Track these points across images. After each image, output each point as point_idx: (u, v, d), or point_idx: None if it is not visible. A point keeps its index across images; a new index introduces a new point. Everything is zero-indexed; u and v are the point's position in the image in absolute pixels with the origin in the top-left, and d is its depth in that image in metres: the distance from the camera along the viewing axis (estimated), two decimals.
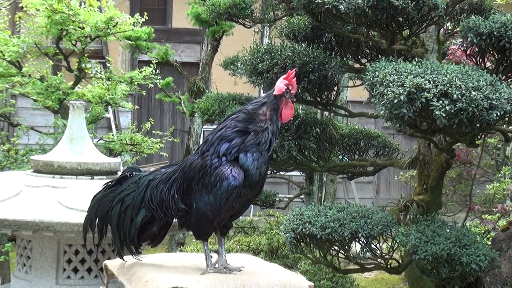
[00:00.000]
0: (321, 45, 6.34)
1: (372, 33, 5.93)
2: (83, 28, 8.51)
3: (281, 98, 3.36)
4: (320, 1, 5.29)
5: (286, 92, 3.36)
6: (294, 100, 3.44)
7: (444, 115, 4.35)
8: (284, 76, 3.41)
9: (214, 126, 12.07)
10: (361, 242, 5.39)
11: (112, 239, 3.46)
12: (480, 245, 5.01)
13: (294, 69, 3.53)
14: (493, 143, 10.78)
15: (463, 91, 4.38)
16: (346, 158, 6.78)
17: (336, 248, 5.55)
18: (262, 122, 3.29)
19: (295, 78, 3.42)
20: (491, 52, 5.35)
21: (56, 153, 4.91)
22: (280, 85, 3.37)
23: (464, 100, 4.35)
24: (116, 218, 3.44)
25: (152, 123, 10.69)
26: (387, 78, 4.57)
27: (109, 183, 3.55)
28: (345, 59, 6.48)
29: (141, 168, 3.62)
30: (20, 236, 4.61)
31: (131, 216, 3.42)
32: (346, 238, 5.31)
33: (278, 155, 6.03)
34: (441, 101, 4.37)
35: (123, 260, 3.52)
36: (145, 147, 9.39)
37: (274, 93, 3.37)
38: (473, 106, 4.35)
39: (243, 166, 3.23)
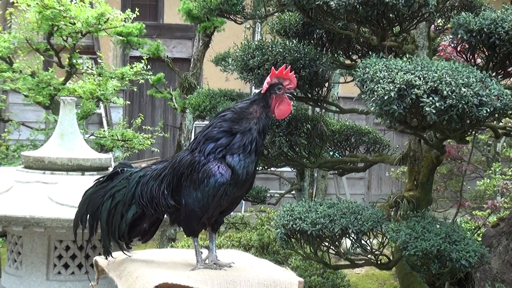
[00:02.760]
0: (312, 41, 6.35)
1: (363, 29, 5.94)
2: (74, 23, 8.50)
3: (271, 95, 3.33)
4: None
5: (278, 88, 3.32)
6: (294, 94, 3.36)
7: (434, 111, 4.36)
8: (272, 72, 3.36)
9: (206, 122, 12.07)
10: (351, 238, 5.40)
11: (101, 235, 3.47)
12: (470, 241, 5.02)
13: (284, 64, 3.48)
14: (484, 140, 10.80)
15: (453, 88, 4.39)
16: (337, 154, 6.79)
17: (326, 244, 5.56)
18: (248, 121, 3.28)
19: (286, 71, 3.35)
20: (481, 49, 5.36)
21: (46, 149, 4.90)
22: (264, 82, 3.35)
23: (454, 97, 4.36)
24: (106, 214, 3.44)
25: (143, 118, 10.68)
26: (377, 74, 4.58)
27: (100, 179, 3.55)
28: (336, 55, 6.49)
29: (132, 164, 3.62)
30: (10, 232, 4.61)
31: (121, 212, 3.43)
32: (337, 234, 5.32)
33: (269, 151, 6.04)
34: (431, 98, 4.37)
35: (112, 257, 3.52)
36: (136, 142, 9.39)
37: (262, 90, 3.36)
38: (463, 102, 4.36)
39: (230, 165, 3.23)
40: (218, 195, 3.23)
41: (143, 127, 11.19)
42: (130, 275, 3.28)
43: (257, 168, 3.41)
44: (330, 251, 5.66)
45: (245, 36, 12.79)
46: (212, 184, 3.21)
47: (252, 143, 3.25)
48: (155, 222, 3.50)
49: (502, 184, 9.06)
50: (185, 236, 3.87)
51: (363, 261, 5.81)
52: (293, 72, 3.37)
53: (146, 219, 3.47)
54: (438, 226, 5.13)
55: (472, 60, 5.49)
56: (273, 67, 3.40)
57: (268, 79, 3.34)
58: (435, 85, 4.40)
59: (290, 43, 5.85)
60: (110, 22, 8.75)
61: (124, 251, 3.51)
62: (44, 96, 8.73)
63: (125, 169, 3.54)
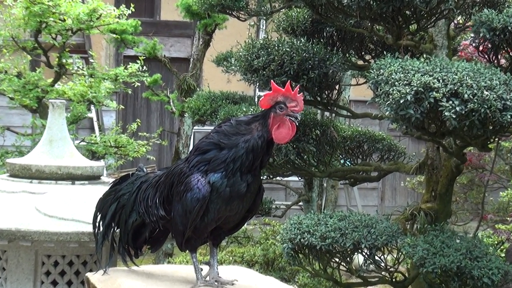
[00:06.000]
0: (321, 40, 6.35)
1: (377, 27, 5.95)
2: (64, 20, 8.51)
3: (270, 113, 3.18)
4: None
5: (280, 107, 3.17)
6: (297, 119, 3.18)
7: (454, 116, 4.36)
8: (275, 88, 3.18)
9: (205, 127, 12.02)
10: (364, 253, 5.40)
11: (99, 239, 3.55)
12: (493, 257, 5.02)
13: (290, 81, 3.29)
14: (507, 147, 10.80)
15: (475, 91, 4.38)
16: (348, 163, 6.79)
17: (337, 260, 5.56)
18: (240, 137, 3.18)
19: (294, 92, 3.19)
20: (505, 49, 5.36)
21: (34, 156, 4.90)
22: (266, 97, 3.20)
23: (475, 101, 4.36)
24: (111, 217, 3.52)
25: (139, 124, 10.69)
26: (392, 76, 4.58)
27: (115, 181, 3.62)
28: (347, 55, 6.49)
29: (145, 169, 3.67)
30: None
31: (125, 218, 3.48)
32: (348, 249, 5.32)
33: (275, 159, 6.04)
34: (451, 102, 4.37)
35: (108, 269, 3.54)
36: (130, 149, 9.39)
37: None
38: (486, 107, 4.36)
39: (211, 182, 3.17)
40: (195, 210, 3.17)
41: (138, 133, 11.19)
42: None
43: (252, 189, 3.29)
44: (341, 267, 5.66)
45: (249, 35, 12.79)
46: (188, 199, 3.18)
47: (235, 161, 3.14)
48: (164, 231, 3.51)
49: None
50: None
51: (376, 279, 5.81)
52: (301, 94, 3.21)
53: (148, 228, 3.49)
54: (458, 240, 5.13)
55: (496, 61, 5.49)
56: (272, 81, 3.23)
57: (268, 94, 3.17)
58: (455, 88, 4.40)
59: (298, 42, 5.85)
60: (103, 19, 8.77)
61: (132, 261, 3.57)
62: (31, 99, 8.74)
63: (137, 172, 3.58)
